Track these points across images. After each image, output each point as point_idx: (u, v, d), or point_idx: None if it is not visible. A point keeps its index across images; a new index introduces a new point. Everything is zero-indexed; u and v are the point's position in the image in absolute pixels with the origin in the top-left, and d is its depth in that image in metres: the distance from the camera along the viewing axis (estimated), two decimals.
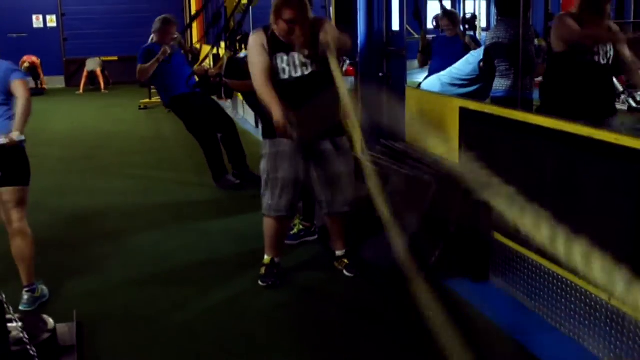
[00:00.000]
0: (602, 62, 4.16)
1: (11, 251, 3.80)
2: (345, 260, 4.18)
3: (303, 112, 3.75)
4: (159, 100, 13.87)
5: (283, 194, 3.94)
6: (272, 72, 3.88)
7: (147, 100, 13.32)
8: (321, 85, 3.76)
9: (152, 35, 6.92)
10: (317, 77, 3.87)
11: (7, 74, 3.69)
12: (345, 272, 4.14)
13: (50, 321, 3.21)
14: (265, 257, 4.12)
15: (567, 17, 4.18)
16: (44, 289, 3.92)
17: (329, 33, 3.72)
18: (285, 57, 3.88)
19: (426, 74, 6.45)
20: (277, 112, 3.73)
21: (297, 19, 3.77)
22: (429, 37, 7.09)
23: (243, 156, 6.65)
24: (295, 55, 3.87)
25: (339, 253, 4.25)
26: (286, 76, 3.89)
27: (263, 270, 4.07)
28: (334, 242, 4.28)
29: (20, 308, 3.71)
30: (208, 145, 6.51)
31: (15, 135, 3.54)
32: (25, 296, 3.78)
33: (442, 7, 7.14)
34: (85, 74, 15.38)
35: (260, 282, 4.02)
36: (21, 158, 3.72)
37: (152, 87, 14.19)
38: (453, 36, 6.49)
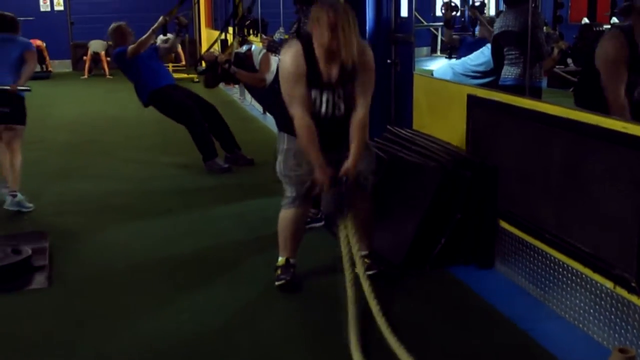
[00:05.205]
0: None
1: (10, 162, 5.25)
2: (367, 260, 3.79)
3: (327, 135, 3.50)
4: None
5: (306, 192, 3.66)
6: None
7: None
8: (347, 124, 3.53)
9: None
10: (348, 115, 3.53)
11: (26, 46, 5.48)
12: (365, 272, 3.69)
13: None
14: (280, 258, 3.83)
15: (617, 46, 3.42)
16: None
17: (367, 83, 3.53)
18: (317, 96, 3.48)
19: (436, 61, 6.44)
20: (320, 173, 3.44)
21: (339, 24, 3.32)
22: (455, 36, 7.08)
23: (232, 139, 6.81)
24: (330, 96, 3.48)
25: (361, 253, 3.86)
26: (314, 110, 3.49)
27: (278, 272, 3.79)
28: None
29: (6, 207, 5.20)
30: (195, 128, 6.57)
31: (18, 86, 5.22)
32: (14, 199, 5.21)
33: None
34: (89, 56, 15.34)
35: (276, 282, 3.75)
36: (22, 105, 5.36)
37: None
38: (481, 38, 6.41)
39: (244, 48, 6.41)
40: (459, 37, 7.27)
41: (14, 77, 5.25)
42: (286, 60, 3.48)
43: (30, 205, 5.26)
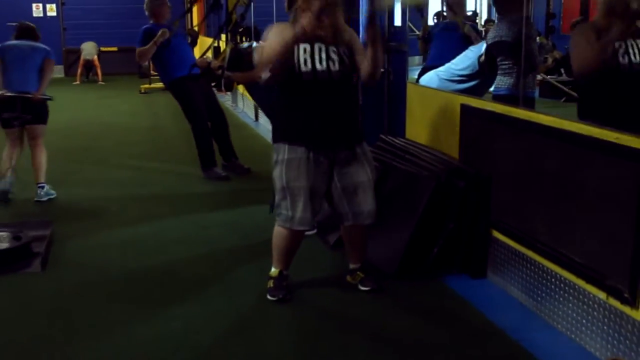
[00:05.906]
0: (635, 59, 3.50)
1: (33, 159, 5.85)
2: (361, 274, 3.85)
3: (324, 113, 3.53)
4: (159, 85, 14.02)
5: (307, 206, 3.53)
6: (289, 64, 3.46)
7: (147, 85, 13.39)
8: (346, 85, 3.57)
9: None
10: (343, 76, 3.52)
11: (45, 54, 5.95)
12: (360, 286, 3.81)
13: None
14: (273, 269, 3.77)
15: (582, 34, 3.66)
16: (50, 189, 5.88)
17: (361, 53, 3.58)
18: (308, 48, 3.45)
19: (421, 68, 6.44)
20: None
21: (327, 8, 3.43)
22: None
23: (231, 148, 6.80)
24: (322, 46, 3.47)
25: (353, 266, 3.89)
26: (307, 68, 3.45)
27: (271, 283, 3.74)
28: (349, 255, 3.91)
29: (36, 200, 5.75)
30: (200, 133, 6.55)
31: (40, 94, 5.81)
32: (40, 191, 5.78)
33: None
34: (81, 62, 15.31)
35: (269, 297, 3.70)
36: (44, 107, 5.89)
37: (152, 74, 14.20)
38: (453, 21, 6.46)
39: (246, 44, 6.43)
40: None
41: (37, 84, 5.79)
42: (270, 29, 3.62)
43: (53, 192, 5.88)
